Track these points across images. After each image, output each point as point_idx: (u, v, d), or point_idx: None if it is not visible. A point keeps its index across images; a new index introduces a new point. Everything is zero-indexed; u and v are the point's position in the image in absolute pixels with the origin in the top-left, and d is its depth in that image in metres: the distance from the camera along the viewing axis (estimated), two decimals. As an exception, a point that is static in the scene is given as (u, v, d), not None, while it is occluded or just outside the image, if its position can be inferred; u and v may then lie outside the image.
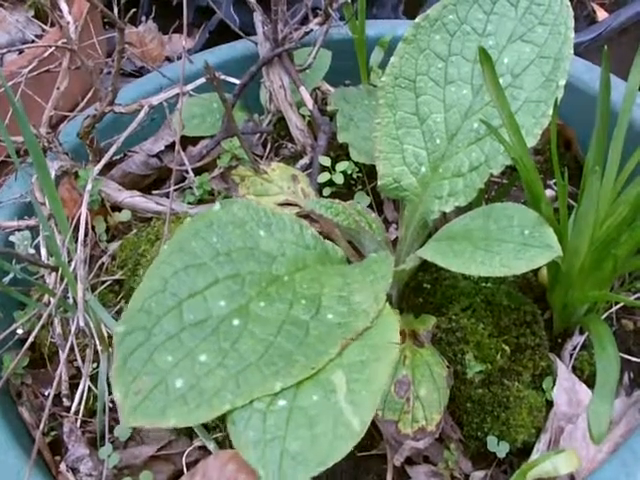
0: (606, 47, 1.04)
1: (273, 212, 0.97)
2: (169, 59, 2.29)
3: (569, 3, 1.09)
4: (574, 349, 1.13)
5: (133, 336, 0.79)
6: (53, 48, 1.30)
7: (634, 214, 0.96)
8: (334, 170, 1.34)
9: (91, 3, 1.17)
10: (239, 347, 0.80)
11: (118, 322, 0.80)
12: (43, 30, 1.95)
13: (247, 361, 0.79)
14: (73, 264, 1.12)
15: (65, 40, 1.21)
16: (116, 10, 1.22)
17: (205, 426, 1.06)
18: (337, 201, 1.10)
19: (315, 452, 0.72)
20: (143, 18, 2.32)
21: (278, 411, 0.75)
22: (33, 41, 1.84)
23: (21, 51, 1.70)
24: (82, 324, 1.05)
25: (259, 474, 0.71)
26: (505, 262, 0.88)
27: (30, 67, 1.32)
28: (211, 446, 1.04)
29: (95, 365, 1.15)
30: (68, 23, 1.21)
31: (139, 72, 2.17)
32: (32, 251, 1.17)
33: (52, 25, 1.93)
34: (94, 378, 1.13)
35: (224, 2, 1.98)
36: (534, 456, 1.01)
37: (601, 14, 2.01)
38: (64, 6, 1.23)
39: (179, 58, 2.22)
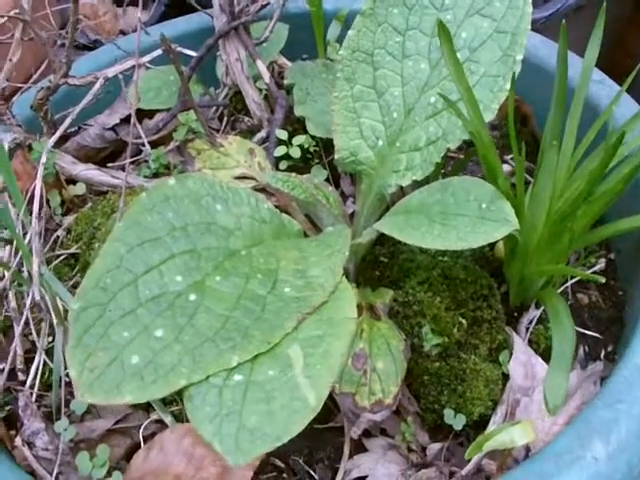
0: (564, 22, 1.05)
1: (229, 186, 0.96)
2: (124, 32, 2.26)
3: (527, -23, 1.09)
4: (530, 323, 1.14)
5: (88, 312, 0.77)
6: (5, 19, 1.27)
7: (590, 188, 0.96)
8: (291, 144, 1.33)
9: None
10: (195, 322, 0.79)
11: (74, 299, 0.78)
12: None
13: (203, 336, 0.78)
14: (28, 237, 1.10)
15: (18, 10, 1.19)
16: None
17: (162, 400, 1.06)
18: (294, 175, 1.10)
19: (272, 427, 0.71)
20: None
21: (235, 386, 0.74)
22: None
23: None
24: (37, 297, 1.04)
25: (216, 448, 0.71)
26: (462, 236, 0.89)
27: (-19, 38, 1.30)
28: (168, 419, 1.04)
29: (50, 339, 1.14)
30: (21, -7, 1.19)
31: (93, 45, 2.14)
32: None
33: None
34: (49, 352, 1.12)
35: (181, -25, 1.96)
36: (490, 428, 1.02)
37: (558, -9, 2.01)
38: (17, -25, 1.21)
39: (134, 31, 2.20)
